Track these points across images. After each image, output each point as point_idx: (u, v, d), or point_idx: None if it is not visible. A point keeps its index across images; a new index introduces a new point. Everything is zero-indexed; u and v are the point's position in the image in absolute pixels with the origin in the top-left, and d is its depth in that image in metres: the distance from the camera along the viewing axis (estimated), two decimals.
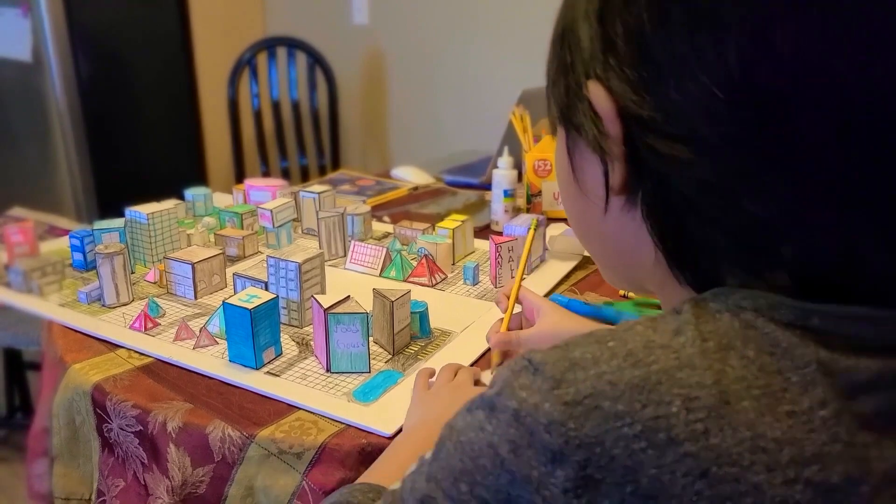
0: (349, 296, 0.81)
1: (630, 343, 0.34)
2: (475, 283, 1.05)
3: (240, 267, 1.09)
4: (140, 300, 0.98)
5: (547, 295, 1.01)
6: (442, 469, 0.36)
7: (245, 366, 0.80)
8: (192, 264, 0.98)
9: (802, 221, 0.33)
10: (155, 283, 1.04)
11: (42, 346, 0.95)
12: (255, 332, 0.79)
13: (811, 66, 0.31)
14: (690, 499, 0.31)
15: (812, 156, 0.32)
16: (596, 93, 0.37)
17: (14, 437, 1.93)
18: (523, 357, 0.35)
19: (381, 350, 0.85)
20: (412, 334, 0.87)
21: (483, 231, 1.27)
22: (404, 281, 1.05)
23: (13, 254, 1.08)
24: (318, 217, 1.14)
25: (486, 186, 1.45)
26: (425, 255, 1.06)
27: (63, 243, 1.14)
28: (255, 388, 0.77)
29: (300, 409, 0.74)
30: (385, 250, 1.09)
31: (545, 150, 1.31)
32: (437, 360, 0.82)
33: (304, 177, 2.48)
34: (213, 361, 0.82)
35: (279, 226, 1.16)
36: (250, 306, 0.78)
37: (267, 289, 0.90)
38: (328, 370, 0.80)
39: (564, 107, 0.40)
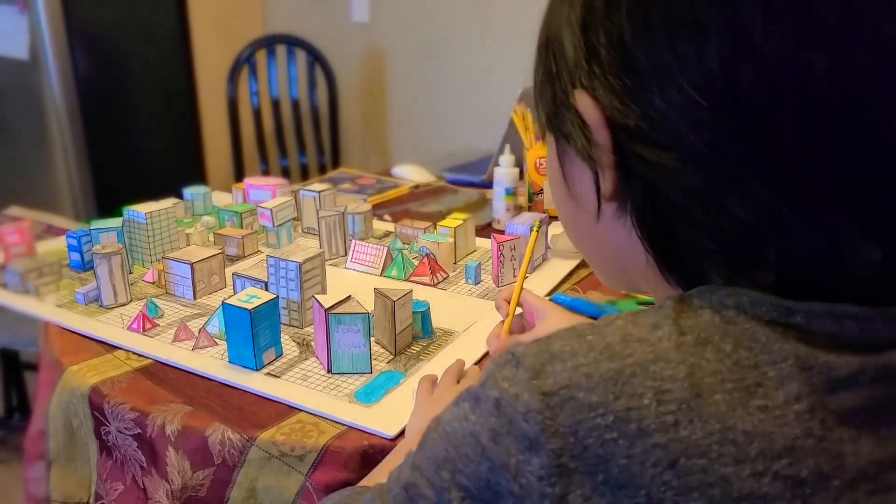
0: (350, 296, 0.80)
1: (608, 337, 0.34)
2: (477, 282, 1.04)
3: (239, 267, 1.08)
4: (138, 301, 0.97)
5: (549, 294, 1.00)
6: (426, 458, 0.38)
7: (245, 367, 0.79)
8: (191, 264, 0.97)
9: (787, 224, 0.34)
10: (153, 283, 1.03)
11: (39, 347, 0.94)
12: (255, 332, 0.78)
13: (791, 70, 0.32)
14: (659, 488, 0.31)
15: (795, 159, 0.33)
16: (583, 102, 0.37)
17: (12, 438, 1.92)
18: (508, 351, 0.36)
19: (382, 350, 0.84)
20: (414, 334, 0.86)
21: (484, 229, 1.26)
22: (406, 280, 1.04)
23: (9, 254, 1.07)
24: (318, 216, 1.13)
25: (488, 185, 1.44)
26: (427, 254, 1.05)
27: (61, 243, 1.13)
28: (255, 389, 0.76)
29: (301, 410, 0.73)
30: (386, 249, 1.08)
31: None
32: (440, 361, 0.81)
33: (304, 175, 2.47)
34: (213, 363, 0.81)
35: (279, 225, 1.16)
36: (250, 307, 0.77)
37: (267, 289, 0.89)
38: (329, 371, 0.79)
39: (552, 115, 0.41)
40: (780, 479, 0.31)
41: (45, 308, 0.96)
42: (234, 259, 1.12)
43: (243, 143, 2.42)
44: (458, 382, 0.73)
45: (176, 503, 0.70)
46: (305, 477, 0.67)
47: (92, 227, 1.06)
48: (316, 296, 0.80)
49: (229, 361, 0.81)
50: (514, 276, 1.03)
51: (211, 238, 1.17)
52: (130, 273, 1.05)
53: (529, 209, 1.32)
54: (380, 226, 1.27)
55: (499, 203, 1.28)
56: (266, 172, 2.44)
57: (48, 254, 1.08)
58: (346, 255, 1.12)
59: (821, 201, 0.33)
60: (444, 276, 1.05)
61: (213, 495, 0.69)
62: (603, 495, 0.32)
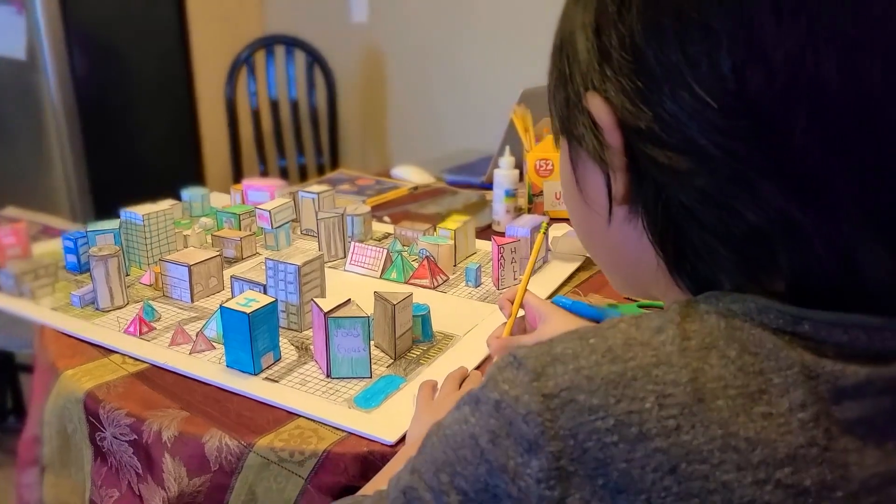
0: (350, 299, 0.79)
1: (611, 340, 0.34)
2: (477, 284, 1.03)
3: (237, 269, 1.07)
4: (135, 303, 0.96)
5: (550, 297, 0.99)
6: (425, 461, 0.38)
7: (243, 371, 0.78)
8: (189, 266, 0.96)
9: (799, 229, 0.33)
10: (150, 285, 1.02)
11: (34, 350, 0.93)
12: (254, 336, 0.77)
13: (803, 74, 0.32)
14: (659, 494, 0.31)
15: (807, 163, 0.32)
16: (595, 104, 0.37)
17: (6, 441, 1.91)
18: (510, 353, 0.36)
19: (382, 355, 0.83)
20: (414, 338, 0.85)
21: (484, 231, 1.26)
22: (405, 283, 1.03)
23: (5, 256, 1.06)
24: (317, 218, 1.12)
25: (487, 186, 1.43)
26: (426, 257, 1.04)
27: (57, 244, 1.12)
28: (253, 394, 0.75)
29: (300, 416, 0.72)
30: (385, 251, 1.07)
31: (547, 149, 1.29)
32: (440, 365, 0.80)
33: (303, 176, 2.46)
34: (210, 367, 0.80)
35: (278, 227, 1.15)
36: (248, 310, 0.76)
37: (265, 292, 0.88)
38: (328, 375, 0.78)
39: (565, 118, 0.41)
40: (782, 487, 0.31)
41: (41, 311, 0.95)
42: (232, 261, 1.11)
43: (242, 144, 2.42)
44: (460, 388, 0.72)
45: None
46: (306, 481, 0.66)
47: (88, 229, 1.05)
48: (315, 299, 0.79)
49: (227, 366, 0.79)
50: (515, 279, 1.02)
51: (209, 240, 1.16)
52: (127, 275, 1.04)
53: (529, 211, 1.31)
54: (379, 227, 1.26)
55: (499, 205, 1.28)
56: (265, 173, 2.43)
57: (44, 255, 1.07)
58: (345, 257, 1.11)
59: (833, 206, 0.33)
60: (444, 278, 1.04)
61: (210, 502, 0.68)
62: (602, 499, 0.32)
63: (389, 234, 1.23)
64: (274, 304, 0.79)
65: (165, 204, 1.11)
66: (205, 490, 0.68)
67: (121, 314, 0.93)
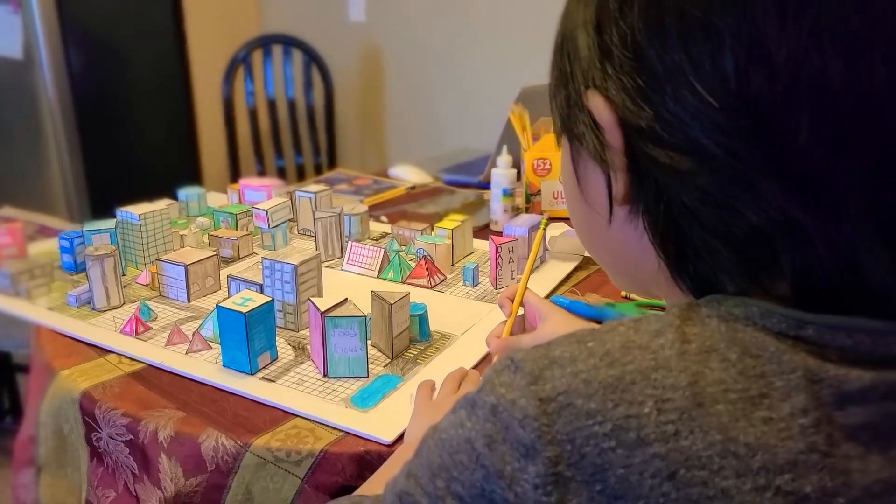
0: (346, 298, 0.79)
1: (609, 343, 0.34)
2: (475, 284, 1.03)
3: (234, 269, 1.07)
4: (131, 303, 0.96)
5: (548, 296, 0.99)
6: (421, 466, 0.37)
7: (239, 371, 0.78)
8: (185, 266, 0.95)
9: (802, 230, 0.33)
10: (147, 285, 1.02)
11: (30, 350, 0.93)
12: (250, 336, 0.76)
13: (806, 75, 0.31)
14: (657, 500, 0.31)
15: (810, 164, 0.32)
16: (595, 102, 0.37)
17: (3, 441, 1.90)
18: (507, 356, 0.35)
19: (379, 354, 0.83)
20: (411, 338, 0.85)
21: (482, 231, 1.25)
22: (403, 282, 1.03)
23: (1, 256, 1.06)
24: (314, 217, 1.12)
25: (485, 185, 1.43)
26: (424, 256, 1.04)
27: (54, 244, 1.11)
28: (249, 394, 0.75)
29: (297, 415, 0.71)
30: (383, 251, 1.06)
31: (544, 148, 1.29)
32: (437, 364, 0.80)
33: (300, 176, 2.45)
34: (207, 367, 0.80)
35: (275, 226, 1.14)
36: (245, 310, 0.76)
37: (262, 291, 0.88)
38: (325, 375, 0.77)
39: (566, 117, 0.41)
40: (783, 494, 0.30)
41: (37, 311, 0.95)
42: (228, 261, 1.10)
43: (239, 143, 2.41)
44: (459, 389, 0.72)
45: None
46: (303, 480, 0.66)
47: (85, 229, 1.05)
48: (312, 298, 0.79)
49: (223, 365, 0.79)
50: (513, 279, 1.02)
51: (205, 240, 1.15)
52: (124, 275, 1.03)
53: (527, 210, 1.31)
54: (376, 227, 1.26)
55: (496, 204, 1.27)
56: (262, 173, 2.43)
57: (40, 255, 1.07)
58: (342, 256, 1.11)
59: (836, 207, 0.33)
60: (442, 278, 1.04)
61: (207, 502, 0.68)
62: None
63: (387, 234, 1.22)
64: (271, 304, 0.79)
65: (162, 203, 1.10)
66: (201, 490, 0.68)
67: (117, 314, 0.93)
